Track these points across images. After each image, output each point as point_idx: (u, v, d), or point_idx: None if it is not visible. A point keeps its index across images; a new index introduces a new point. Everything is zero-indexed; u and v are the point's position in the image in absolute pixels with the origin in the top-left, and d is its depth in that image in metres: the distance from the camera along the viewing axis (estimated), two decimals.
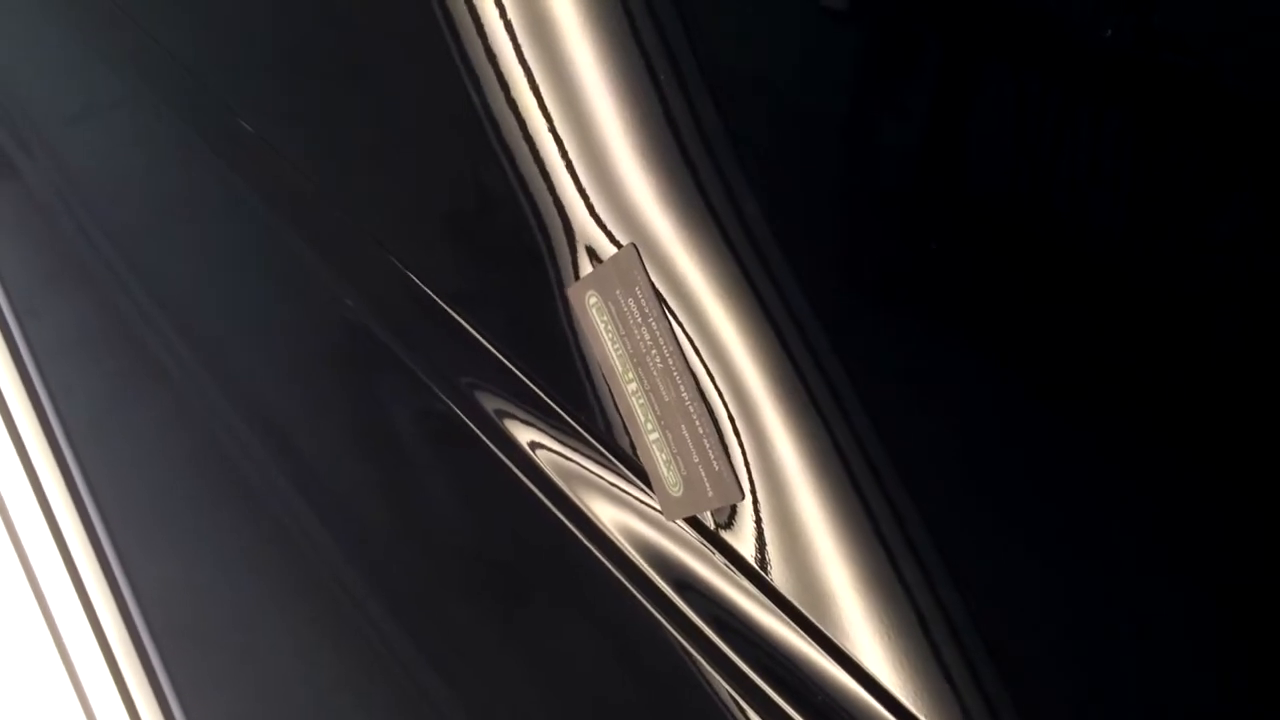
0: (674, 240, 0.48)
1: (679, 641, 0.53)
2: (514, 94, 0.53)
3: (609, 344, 0.50)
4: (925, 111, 0.43)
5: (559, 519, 0.58)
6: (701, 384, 0.48)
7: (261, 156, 0.77)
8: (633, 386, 0.50)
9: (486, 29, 0.54)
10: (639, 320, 0.49)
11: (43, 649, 0.93)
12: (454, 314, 0.61)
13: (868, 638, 0.45)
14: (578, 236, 0.52)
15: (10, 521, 0.93)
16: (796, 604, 0.47)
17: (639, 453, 0.51)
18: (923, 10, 0.43)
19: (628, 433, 0.52)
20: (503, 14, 0.53)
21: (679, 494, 0.50)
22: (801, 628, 0.48)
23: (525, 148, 0.53)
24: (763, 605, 0.48)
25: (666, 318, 0.48)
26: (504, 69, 0.53)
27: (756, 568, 0.48)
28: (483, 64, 0.54)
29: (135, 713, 0.89)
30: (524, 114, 0.53)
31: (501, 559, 0.68)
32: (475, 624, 0.70)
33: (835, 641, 0.46)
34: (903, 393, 0.45)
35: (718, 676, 0.51)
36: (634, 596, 0.55)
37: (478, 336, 0.60)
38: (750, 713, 0.50)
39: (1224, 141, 0.37)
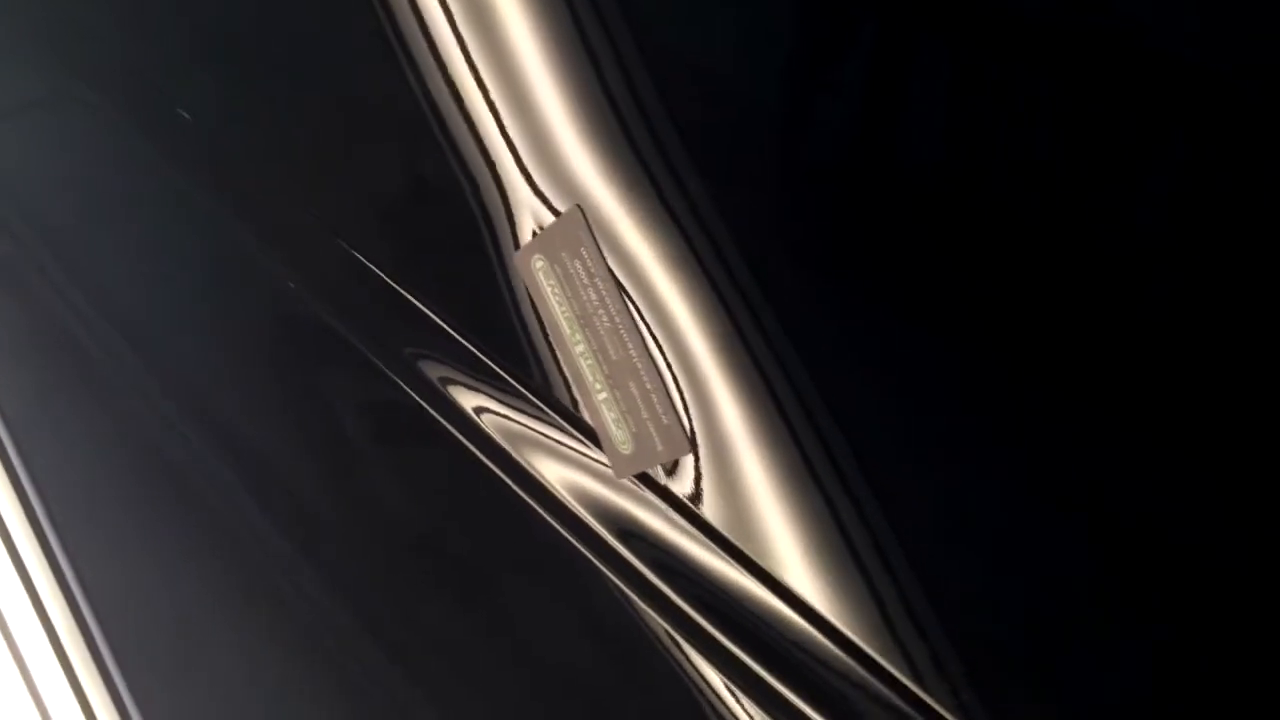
0: (615, 204, 0.49)
1: (626, 592, 0.54)
2: (451, 70, 0.54)
3: (556, 307, 0.51)
4: (860, 84, 0.45)
5: (505, 482, 0.59)
6: (647, 341, 0.49)
7: (199, 145, 0.77)
8: (581, 348, 0.51)
9: (422, 8, 0.55)
10: (585, 281, 0.50)
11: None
12: (398, 288, 0.62)
13: (800, 567, 0.47)
14: (521, 206, 0.53)
15: None
16: (738, 543, 0.49)
17: (588, 413, 0.52)
18: None
19: (575, 395, 0.53)
20: None
21: (629, 451, 0.51)
22: (737, 559, 0.49)
23: (465, 123, 0.54)
24: (705, 545, 0.50)
25: (613, 277, 0.49)
26: (441, 47, 0.54)
27: (700, 512, 0.50)
28: (419, 42, 0.55)
29: (92, 715, 0.88)
30: (462, 90, 0.54)
31: (452, 536, 0.68)
32: (427, 600, 0.70)
33: (771, 572, 0.48)
34: (835, 343, 0.47)
35: (662, 621, 0.53)
36: (585, 556, 0.56)
37: (422, 309, 0.61)
38: (693, 654, 0.52)
39: (1151, 104, 0.39)
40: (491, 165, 0.53)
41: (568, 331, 0.51)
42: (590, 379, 0.51)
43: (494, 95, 0.52)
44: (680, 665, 0.53)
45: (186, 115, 0.76)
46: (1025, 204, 0.42)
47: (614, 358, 0.50)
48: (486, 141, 0.53)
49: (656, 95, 0.48)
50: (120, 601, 0.91)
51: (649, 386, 0.49)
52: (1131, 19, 0.39)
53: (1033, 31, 0.41)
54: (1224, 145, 0.38)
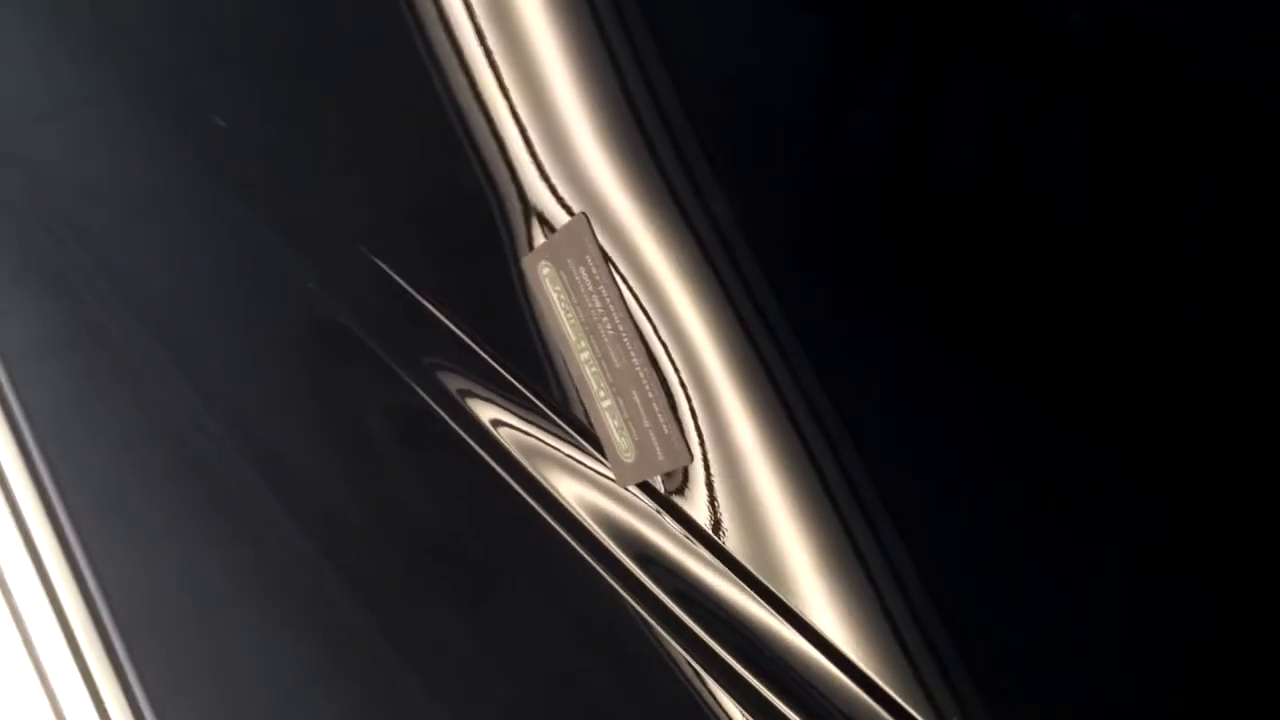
0: (633, 213, 0.49)
1: (640, 614, 0.54)
2: (475, 77, 0.54)
3: (562, 314, 0.51)
4: (888, 99, 0.44)
5: (524, 499, 0.59)
6: (651, 349, 0.49)
7: (232, 150, 0.78)
8: (585, 355, 0.51)
9: (449, 15, 0.55)
10: (590, 288, 0.50)
11: (13, 654, 0.93)
12: (417, 295, 0.62)
13: (818, 596, 0.46)
14: (533, 213, 0.53)
15: None
16: (748, 566, 0.49)
17: (592, 421, 0.52)
18: None
19: (582, 402, 0.53)
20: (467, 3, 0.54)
21: (631, 459, 0.51)
22: (755, 591, 0.49)
23: (486, 130, 0.54)
24: (716, 570, 0.50)
25: (616, 284, 0.49)
26: (465, 51, 0.55)
27: (709, 531, 0.49)
28: (443, 46, 0.56)
29: (105, 714, 0.89)
30: (485, 97, 0.54)
31: (468, 543, 0.68)
32: (444, 612, 0.71)
33: (785, 601, 0.47)
34: (854, 360, 0.46)
35: (676, 645, 0.52)
36: (595, 569, 0.56)
37: (440, 317, 0.61)
38: (708, 679, 0.51)
39: (1195, 130, 0.38)
40: (511, 172, 0.54)
41: (573, 338, 0.51)
42: (595, 386, 0.51)
43: (516, 102, 0.53)
44: (691, 687, 0.53)
45: (221, 122, 0.77)
46: (1059, 221, 0.41)
47: (617, 365, 0.50)
48: (507, 148, 0.54)
49: (679, 104, 0.48)
50: (142, 599, 0.92)
51: (651, 395, 0.49)
52: (1169, 40, 0.38)
53: (1068, 46, 0.40)
54: (1260, 164, 0.37)
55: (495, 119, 0.54)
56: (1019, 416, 0.43)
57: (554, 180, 0.52)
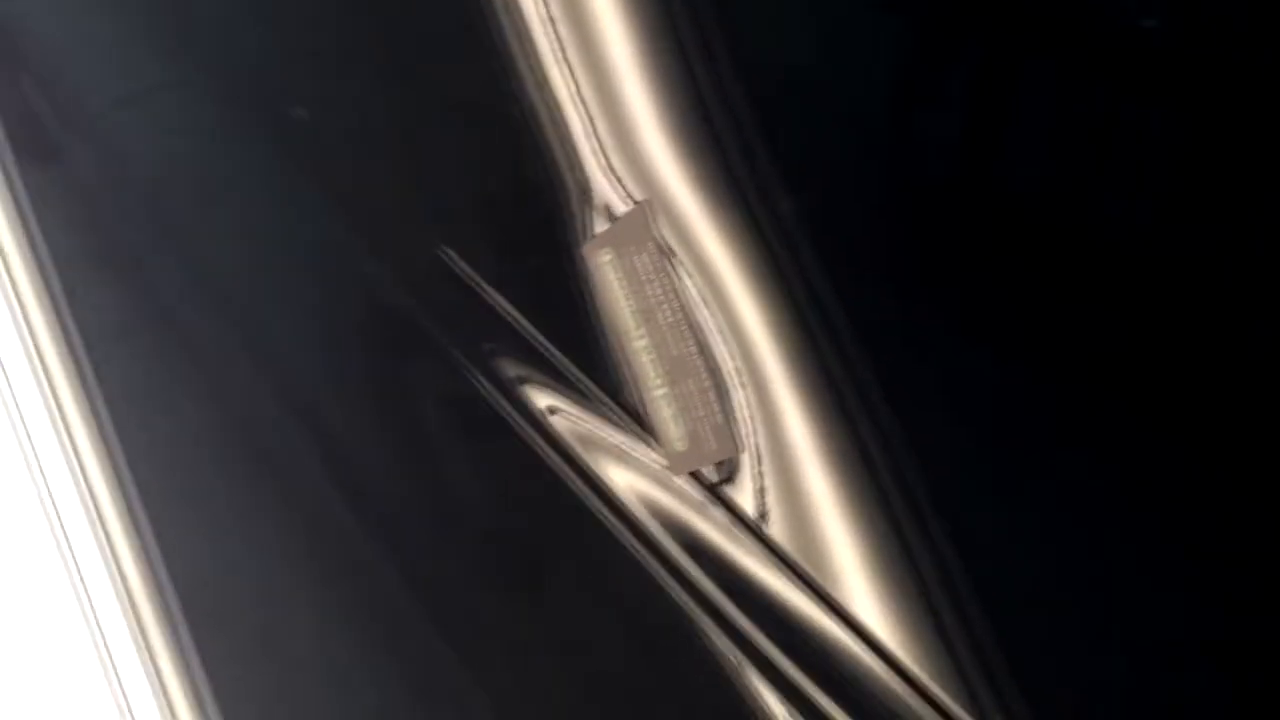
0: (690, 202, 0.50)
1: (685, 603, 0.54)
2: (544, 68, 0.55)
3: (621, 301, 0.52)
4: (957, 101, 0.44)
5: (575, 485, 0.59)
6: (709, 340, 0.49)
7: (308, 142, 0.80)
8: (642, 343, 0.52)
9: (520, 8, 0.56)
10: (650, 276, 0.50)
11: (79, 631, 0.95)
12: (480, 283, 0.63)
13: (863, 591, 0.46)
14: (595, 204, 0.53)
15: (52, 499, 0.96)
16: (795, 558, 0.49)
17: (646, 409, 0.53)
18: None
19: (635, 390, 0.53)
20: None
21: (684, 448, 0.51)
22: (801, 582, 0.49)
23: (552, 120, 0.55)
24: (763, 560, 0.50)
25: (676, 272, 0.50)
26: (535, 44, 0.55)
27: (757, 522, 0.49)
28: (514, 40, 0.57)
29: (166, 693, 0.91)
30: (552, 87, 0.55)
31: (518, 528, 0.69)
32: (492, 597, 0.71)
33: (830, 594, 0.47)
34: (905, 353, 0.46)
35: (719, 635, 0.53)
36: (642, 556, 0.56)
37: (500, 305, 0.62)
38: (750, 671, 0.51)
39: (1273, 137, 0.37)
40: (576, 163, 0.54)
41: (630, 326, 0.52)
42: (650, 374, 0.52)
43: (584, 94, 0.54)
44: (736, 680, 0.53)
45: (300, 113, 0.79)
46: (1131, 229, 0.40)
47: (673, 354, 0.50)
48: (573, 139, 0.54)
49: (748, 99, 0.49)
50: (203, 577, 0.94)
51: (706, 385, 0.49)
52: (1247, 48, 0.38)
53: (1141, 55, 0.40)
54: None
55: (563, 110, 0.54)
56: (1076, 419, 0.42)
57: (618, 171, 0.52)
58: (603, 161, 0.53)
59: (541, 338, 0.60)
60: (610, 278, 0.52)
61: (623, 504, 0.57)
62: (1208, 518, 0.39)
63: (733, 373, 0.49)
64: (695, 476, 0.52)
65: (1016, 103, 0.43)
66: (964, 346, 0.46)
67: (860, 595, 0.47)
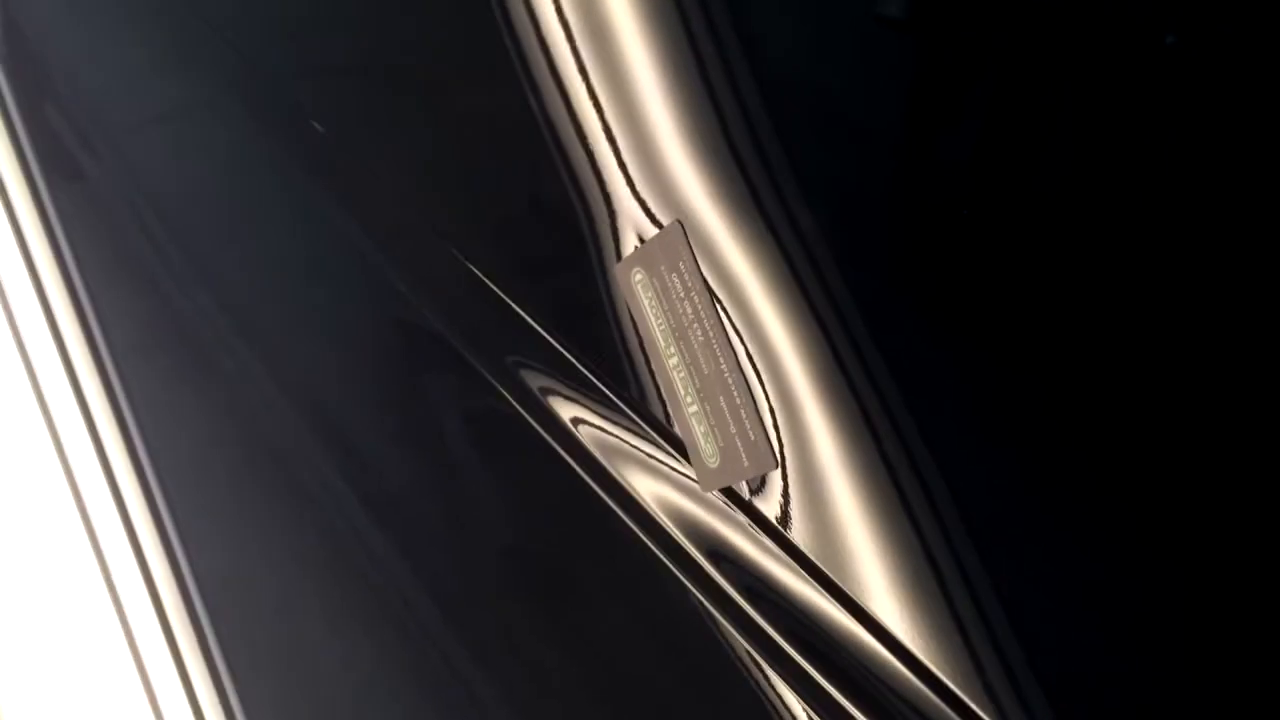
0: (722, 224, 0.50)
1: (710, 611, 0.55)
2: (568, 87, 0.56)
3: (653, 319, 0.52)
4: (980, 118, 0.45)
5: (600, 496, 0.60)
6: (740, 358, 0.50)
7: (331, 156, 0.80)
8: (674, 361, 0.52)
9: (544, 27, 0.57)
10: (682, 295, 0.51)
11: (112, 641, 0.96)
12: (504, 296, 0.64)
13: (888, 597, 0.47)
14: (627, 221, 0.54)
15: (84, 505, 0.97)
16: (823, 566, 0.49)
17: (677, 426, 0.53)
18: (979, 19, 0.44)
19: (666, 407, 0.54)
20: (560, 13, 0.56)
21: (715, 465, 0.51)
22: (826, 589, 0.49)
23: (578, 138, 0.56)
24: (792, 569, 0.50)
25: (709, 292, 0.50)
26: (559, 64, 0.56)
27: (782, 530, 0.50)
28: (537, 57, 0.57)
29: (195, 700, 0.91)
30: (577, 105, 0.55)
31: (542, 539, 0.70)
32: (516, 610, 0.72)
33: (856, 599, 0.48)
34: (938, 380, 0.47)
35: (744, 642, 0.53)
36: (667, 566, 0.56)
37: (526, 317, 0.63)
38: (774, 677, 0.52)
39: None
40: (601, 180, 0.55)
41: (662, 344, 0.52)
42: (682, 392, 0.52)
43: (608, 113, 0.54)
44: (760, 687, 0.53)
45: (320, 128, 0.80)
46: (1156, 247, 0.41)
47: (705, 371, 0.51)
48: (598, 157, 0.55)
49: (769, 117, 0.49)
50: (227, 586, 0.95)
51: (739, 402, 0.50)
52: (1266, 61, 0.38)
53: (1162, 77, 0.40)
54: None
55: (586, 129, 0.55)
56: (1104, 431, 0.43)
57: (642, 190, 0.53)
58: (629, 180, 0.53)
59: (567, 351, 0.60)
60: (642, 296, 0.53)
61: (647, 513, 0.57)
62: (1239, 521, 0.40)
63: (762, 390, 0.49)
64: (732, 496, 0.52)
65: (1037, 120, 0.43)
66: (991, 361, 0.46)
67: (884, 601, 0.47)
